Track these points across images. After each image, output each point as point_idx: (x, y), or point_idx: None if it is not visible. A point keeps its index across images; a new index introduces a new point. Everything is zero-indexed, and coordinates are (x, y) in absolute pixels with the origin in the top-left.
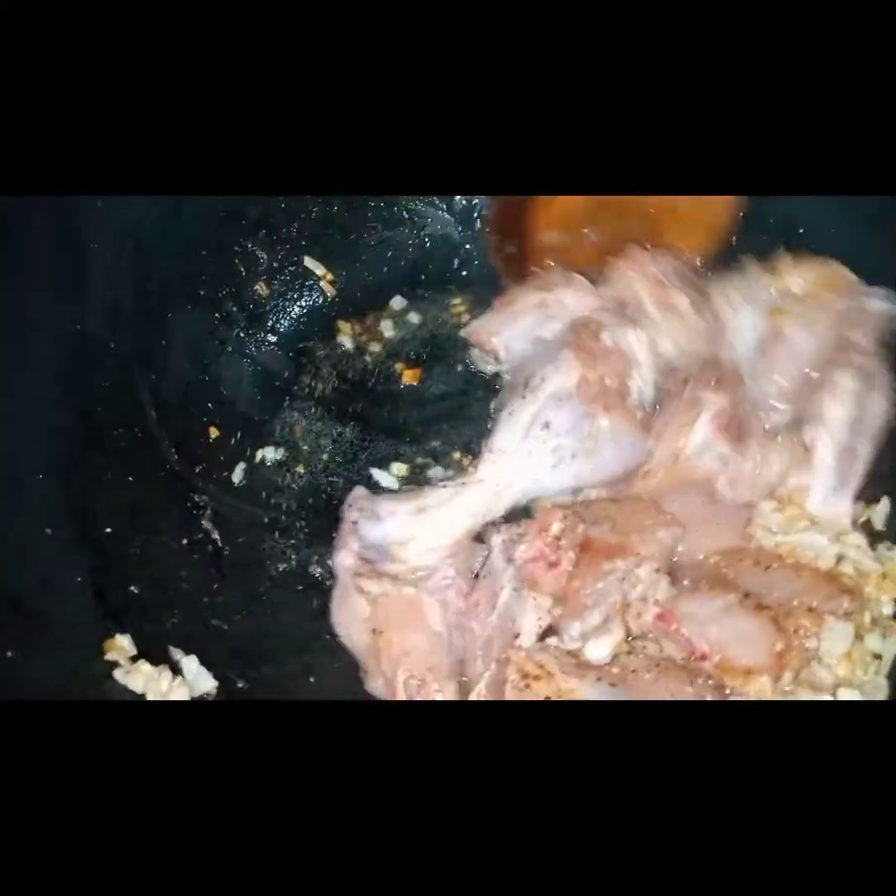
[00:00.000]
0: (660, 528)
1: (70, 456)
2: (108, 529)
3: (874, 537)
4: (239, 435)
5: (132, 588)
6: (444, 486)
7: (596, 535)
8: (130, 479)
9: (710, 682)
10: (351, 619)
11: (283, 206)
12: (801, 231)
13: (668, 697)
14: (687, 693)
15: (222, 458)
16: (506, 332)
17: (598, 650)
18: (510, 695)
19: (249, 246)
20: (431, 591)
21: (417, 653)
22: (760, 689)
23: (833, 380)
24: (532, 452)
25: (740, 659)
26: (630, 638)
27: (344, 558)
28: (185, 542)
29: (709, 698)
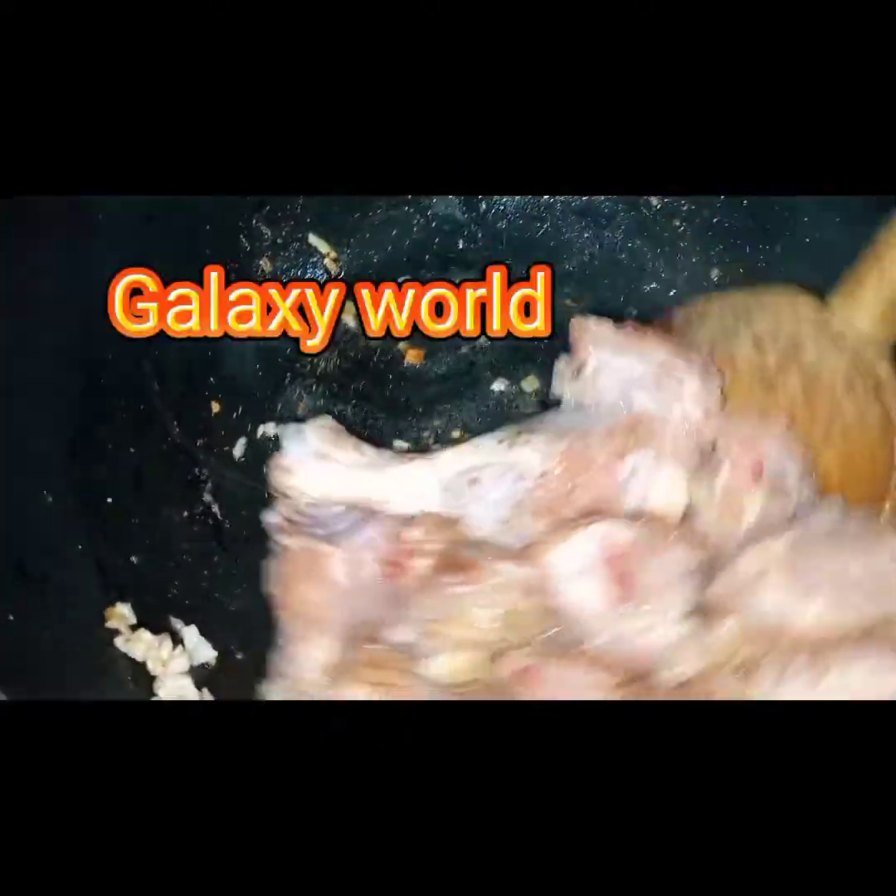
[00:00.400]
0: (505, 559)
1: (73, 427)
2: (110, 499)
3: None
4: (240, 410)
5: (133, 558)
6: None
7: (456, 549)
8: (132, 450)
9: None
10: (274, 578)
11: None
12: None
13: None
14: None
15: (223, 432)
16: (606, 354)
17: (435, 668)
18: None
19: (254, 222)
20: (348, 548)
21: (312, 607)
22: None
23: None
24: (448, 492)
25: None
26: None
27: (270, 516)
28: (185, 514)
29: None
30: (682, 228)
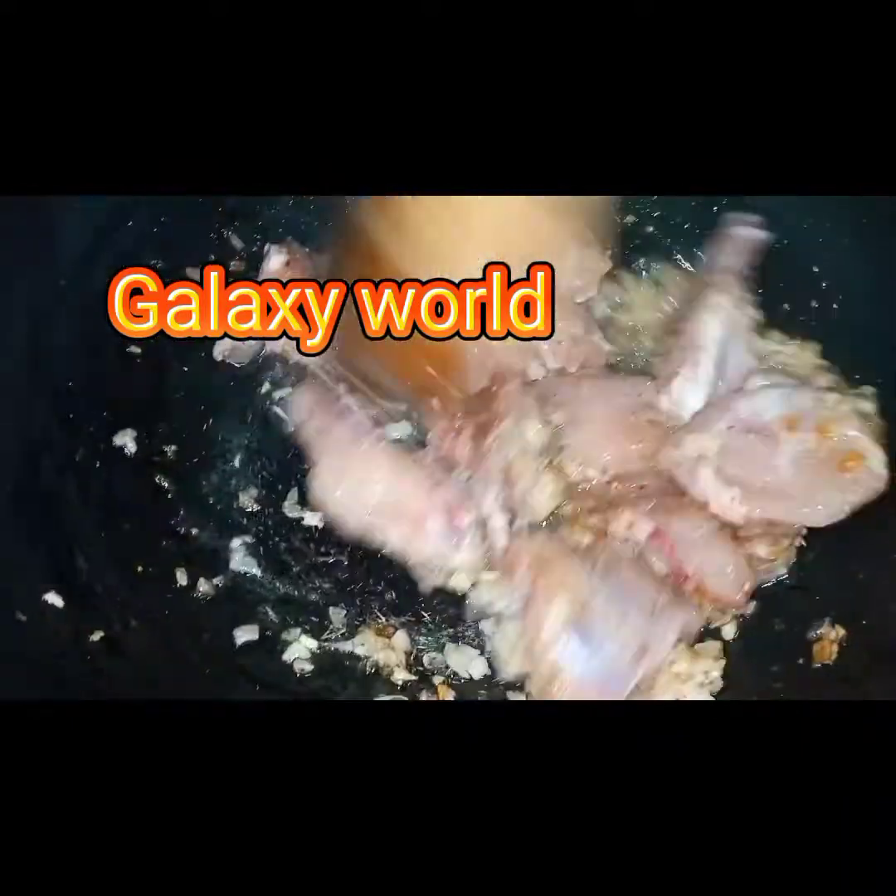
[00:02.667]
0: None
1: (39, 442)
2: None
3: None
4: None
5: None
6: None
7: None
8: (98, 464)
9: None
10: None
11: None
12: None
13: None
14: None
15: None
16: None
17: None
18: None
19: (225, 234)
20: None
21: None
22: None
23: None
24: None
25: (715, 588)
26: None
27: None
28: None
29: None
30: None
